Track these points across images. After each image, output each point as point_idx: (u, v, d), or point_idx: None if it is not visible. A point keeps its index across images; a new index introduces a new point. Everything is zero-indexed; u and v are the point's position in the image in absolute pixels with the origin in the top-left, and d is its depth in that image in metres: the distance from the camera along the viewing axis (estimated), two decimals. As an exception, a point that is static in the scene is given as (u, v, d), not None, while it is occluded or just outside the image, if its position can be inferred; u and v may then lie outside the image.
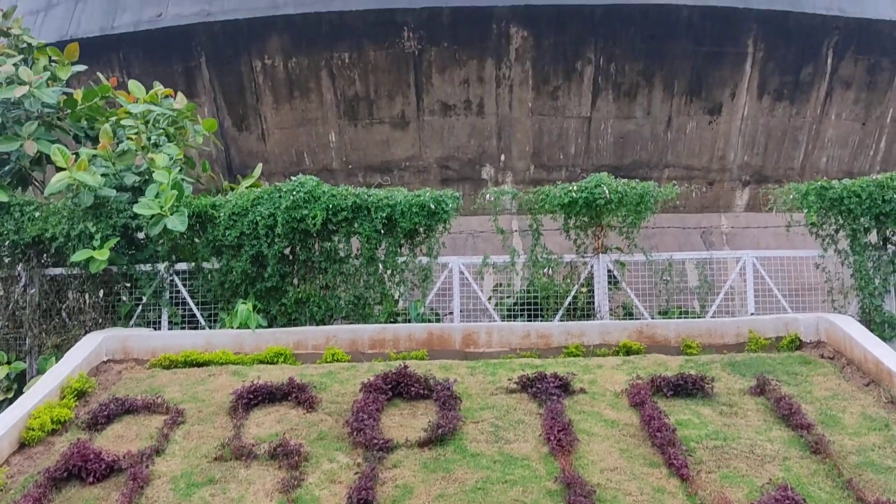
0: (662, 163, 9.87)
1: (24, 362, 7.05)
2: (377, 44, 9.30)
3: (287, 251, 7.19)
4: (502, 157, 9.77)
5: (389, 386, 5.62)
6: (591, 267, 7.50)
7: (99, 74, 7.91)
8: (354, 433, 5.11)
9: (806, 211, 7.28)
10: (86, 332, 6.88)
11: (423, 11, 9.25)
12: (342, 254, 7.20)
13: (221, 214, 7.05)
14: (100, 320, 7.12)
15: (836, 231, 7.32)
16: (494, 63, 9.35)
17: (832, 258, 7.34)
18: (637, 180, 7.68)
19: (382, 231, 7.13)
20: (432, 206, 7.11)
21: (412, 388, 5.62)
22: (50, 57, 7.56)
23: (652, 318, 7.27)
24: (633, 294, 7.48)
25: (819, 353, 6.48)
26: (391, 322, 7.04)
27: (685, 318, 7.25)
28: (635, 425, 5.35)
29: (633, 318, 7.45)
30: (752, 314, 7.22)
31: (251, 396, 5.57)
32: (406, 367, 5.74)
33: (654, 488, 4.76)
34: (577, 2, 9.62)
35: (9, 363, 6.96)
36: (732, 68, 9.39)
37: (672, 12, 9.32)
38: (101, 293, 7.21)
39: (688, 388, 5.74)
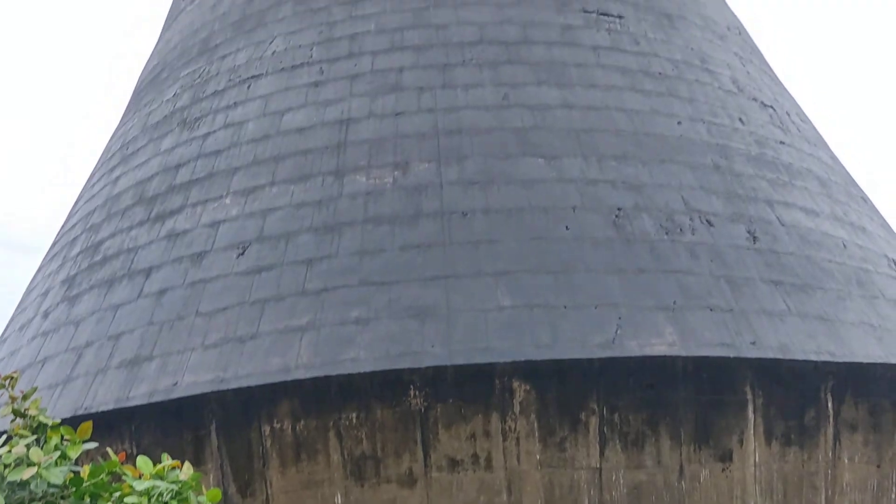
0: (681, 513, 9.54)
1: None
2: (384, 402, 9.55)
3: None
4: (514, 514, 9.48)
5: None
6: None
7: (108, 450, 8.01)
8: None
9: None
10: None
11: (429, 370, 9.66)
12: None
13: None
14: None
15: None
16: (500, 417, 9.51)
17: None
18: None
19: None
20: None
21: None
22: (62, 436, 7.72)
23: None
24: None
25: None
26: None
27: None
28: None
29: None
30: None
31: None
32: None
33: None
34: (575, 356, 10.10)
35: None
36: (736, 415, 9.53)
37: (668, 363, 9.72)
38: None
39: None
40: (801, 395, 9.83)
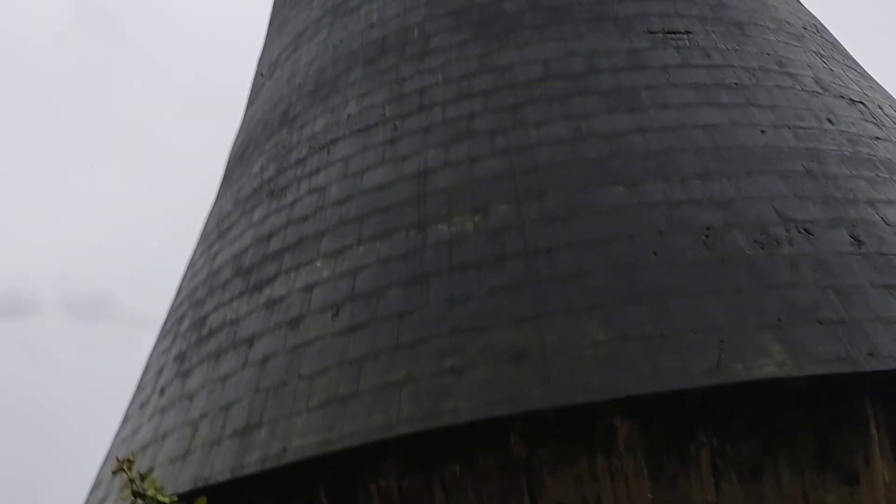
0: (811, 546, 8.99)
1: None
2: (486, 451, 9.50)
3: None
4: (632, 557, 9.17)
5: None
6: None
7: (224, 521, 8.33)
8: None
9: None
10: None
11: (528, 416, 9.56)
12: None
13: None
14: None
15: None
16: (605, 456, 9.28)
17: None
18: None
19: None
20: None
21: None
22: (174, 511, 8.06)
23: None
24: None
25: None
26: None
27: None
28: None
29: None
30: None
31: None
32: None
33: None
34: (677, 386, 9.78)
35: None
36: (858, 434, 8.97)
37: (778, 385, 9.27)
38: None
39: None
40: (929, 407, 9.17)
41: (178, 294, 17.26)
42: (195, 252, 17.87)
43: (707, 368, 10.53)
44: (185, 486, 11.13)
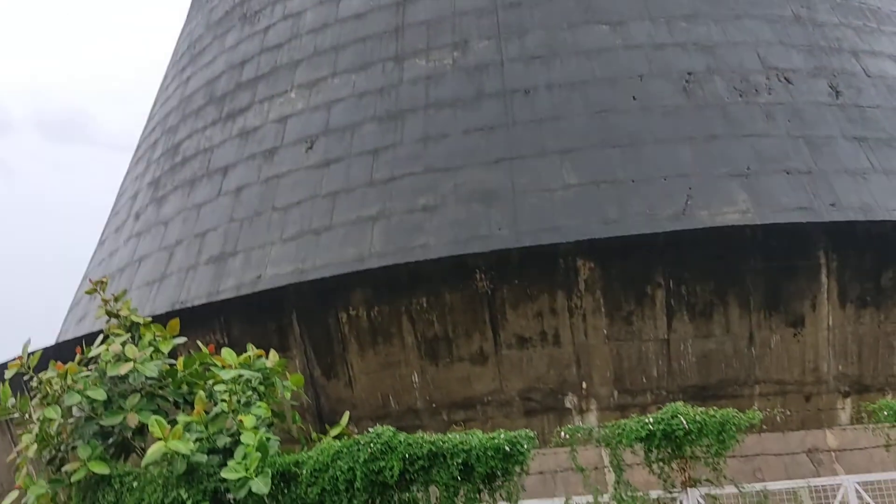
0: (752, 379, 9.61)
1: None
2: (452, 287, 9.83)
3: (367, 505, 7.28)
4: (584, 385, 9.78)
5: None
6: (681, 503, 7.19)
7: (198, 342, 8.69)
8: None
9: (904, 429, 6.89)
10: None
11: (493, 254, 9.83)
12: (421, 505, 7.24)
13: (303, 472, 7.30)
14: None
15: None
16: (565, 295, 9.66)
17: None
18: (724, 401, 7.51)
19: (459, 478, 7.15)
20: (507, 449, 7.13)
21: None
22: (155, 333, 8.40)
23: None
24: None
25: None
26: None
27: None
28: None
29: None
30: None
31: None
32: None
33: None
34: (642, 231, 10.04)
35: None
36: (808, 280, 9.35)
37: (736, 233, 9.55)
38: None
39: None
40: (880, 256, 9.51)
41: (150, 119, 16.97)
42: (166, 76, 17.39)
43: (673, 214, 10.76)
44: (161, 308, 11.50)
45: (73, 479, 7.31)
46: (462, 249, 10.14)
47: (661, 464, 7.43)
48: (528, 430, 7.44)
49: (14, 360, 8.01)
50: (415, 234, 10.92)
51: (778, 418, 8.44)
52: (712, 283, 9.49)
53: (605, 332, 9.64)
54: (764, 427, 7.81)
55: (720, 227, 9.66)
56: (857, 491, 6.92)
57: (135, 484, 7.52)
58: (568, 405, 9.85)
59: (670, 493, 7.33)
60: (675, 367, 9.66)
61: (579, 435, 7.51)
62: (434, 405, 9.97)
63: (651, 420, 7.35)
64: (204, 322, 10.36)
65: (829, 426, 9.58)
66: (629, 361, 9.70)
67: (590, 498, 7.47)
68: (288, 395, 8.64)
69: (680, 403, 7.43)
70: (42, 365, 8.09)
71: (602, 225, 10.55)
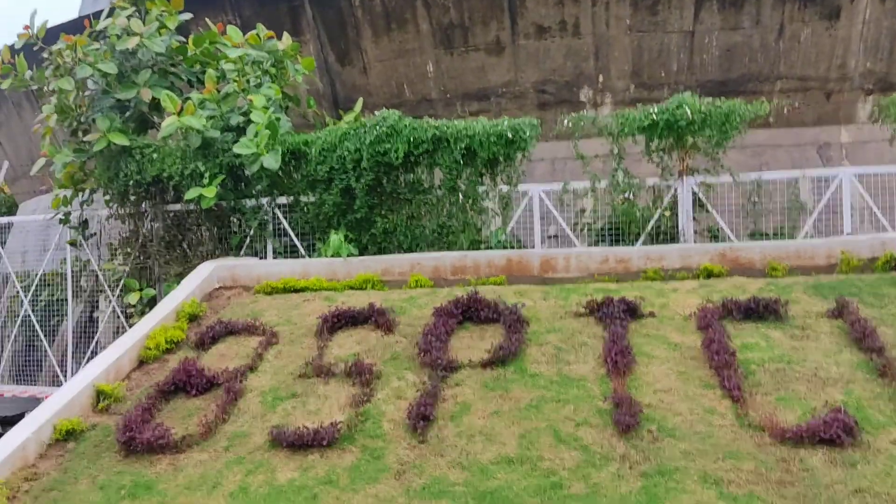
0: (774, 75, 9.34)
1: (154, 289, 7.98)
2: (471, -30, 9.29)
3: (374, 183, 7.58)
4: (600, 78, 9.60)
5: (460, 311, 5.93)
6: (675, 190, 7.37)
7: (207, 20, 8.51)
8: (422, 354, 5.51)
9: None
10: (203, 262, 7.67)
11: (515, -68, 9.13)
12: (426, 185, 7.52)
13: (313, 151, 7.54)
14: (215, 251, 7.88)
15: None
16: (590, -20, 9.12)
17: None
18: (743, 97, 7.33)
19: (462, 161, 7.35)
20: (510, 135, 7.24)
21: (481, 313, 5.91)
22: (161, 9, 8.19)
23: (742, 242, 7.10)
24: (720, 217, 7.30)
25: (915, 275, 6.14)
26: (474, 249, 7.33)
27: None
28: (698, 348, 5.39)
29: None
30: (847, 234, 6.89)
31: (335, 320, 6.07)
32: (476, 292, 6.02)
33: (705, 409, 4.86)
34: None
35: (141, 290, 7.91)
36: (851, -32, 8.67)
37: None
38: (215, 227, 7.96)
39: (759, 311, 5.65)
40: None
41: None
42: None
43: None
44: None
45: (95, 148, 7.63)
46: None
47: (660, 154, 7.49)
48: (531, 118, 7.47)
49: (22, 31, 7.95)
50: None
51: (787, 111, 8.25)
52: (748, -31, 8.85)
53: (627, 22, 9.23)
54: (776, 122, 7.71)
55: None
56: (852, 181, 6.99)
57: (154, 155, 7.86)
58: (583, 98, 9.76)
59: (666, 181, 7.48)
60: (696, 60, 9.36)
61: (583, 124, 7.52)
62: (448, 95, 9.94)
63: (655, 110, 7.28)
64: (214, 2, 10.06)
65: (846, 123, 9.47)
66: (649, 54, 9.40)
67: (587, 183, 7.68)
68: (299, 78, 8.63)
69: (688, 94, 7.31)
70: (53, 40, 8.07)
71: None
